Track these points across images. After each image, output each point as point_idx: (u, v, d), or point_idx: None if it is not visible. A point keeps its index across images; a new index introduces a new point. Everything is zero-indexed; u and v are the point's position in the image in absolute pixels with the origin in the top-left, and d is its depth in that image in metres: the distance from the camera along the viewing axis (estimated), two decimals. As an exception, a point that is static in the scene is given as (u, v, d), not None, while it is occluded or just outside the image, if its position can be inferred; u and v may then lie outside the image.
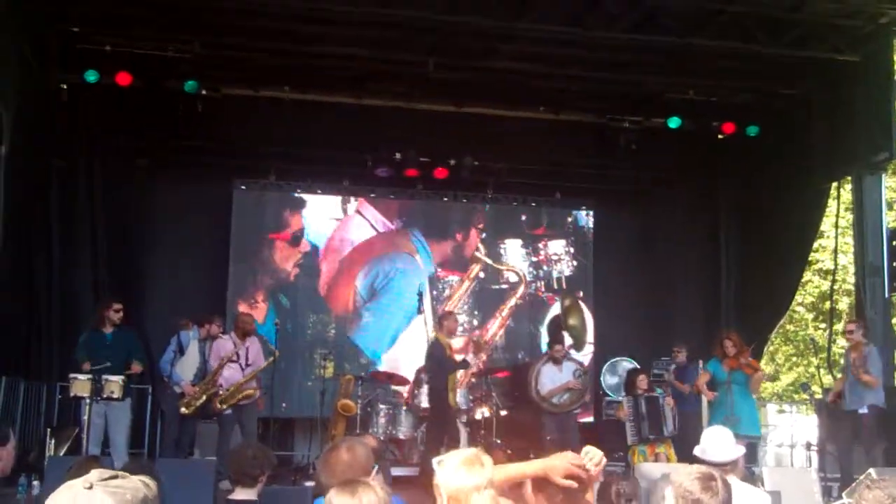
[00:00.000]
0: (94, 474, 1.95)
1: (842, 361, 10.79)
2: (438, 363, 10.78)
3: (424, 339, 12.97)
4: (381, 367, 13.23)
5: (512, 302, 14.47)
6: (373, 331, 13.87)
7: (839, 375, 10.84)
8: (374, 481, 2.77)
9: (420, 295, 12.26)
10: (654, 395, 10.84)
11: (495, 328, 14.29)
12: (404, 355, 13.53)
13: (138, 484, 1.97)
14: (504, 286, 14.55)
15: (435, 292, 14.20)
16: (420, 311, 12.17)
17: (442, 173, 13.69)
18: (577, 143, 13.68)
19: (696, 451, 5.48)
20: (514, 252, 14.71)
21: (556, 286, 14.63)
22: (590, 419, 13.68)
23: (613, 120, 13.28)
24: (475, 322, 14.38)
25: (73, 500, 1.90)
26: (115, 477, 1.96)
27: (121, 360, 9.85)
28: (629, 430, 10.44)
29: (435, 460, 3.21)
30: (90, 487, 1.90)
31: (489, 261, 14.45)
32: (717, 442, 5.40)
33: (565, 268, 14.78)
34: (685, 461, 6.94)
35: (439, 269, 14.33)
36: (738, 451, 5.46)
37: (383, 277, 14.01)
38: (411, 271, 14.11)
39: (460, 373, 11.32)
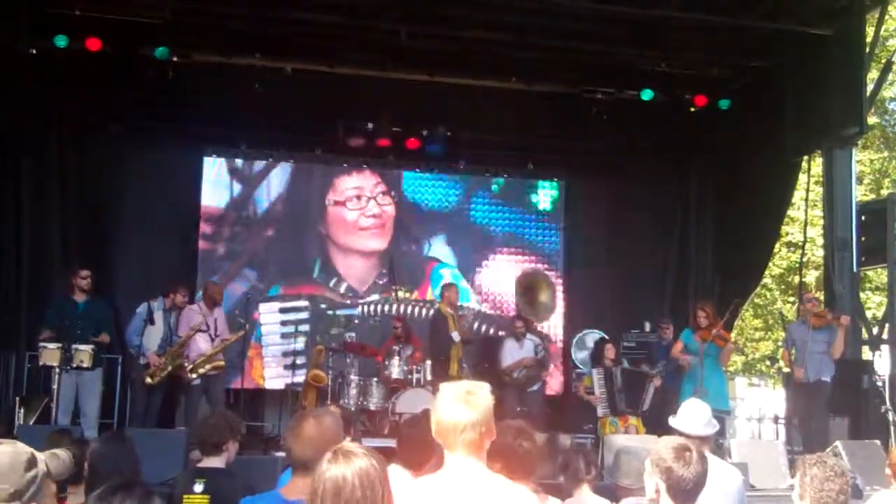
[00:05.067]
0: None
1: (794, 335, 10.66)
2: (438, 334, 11.11)
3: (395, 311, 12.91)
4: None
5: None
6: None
7: (790, 351, 10.72)
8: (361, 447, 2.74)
9: (391, 264, 12.18)
10: (640, 371, 10.87)
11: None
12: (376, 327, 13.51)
13: None
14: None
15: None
16: (393, 282, 12.06)
17: (414, 144, 13.60)
18: (550, 113, 13.61)
19: (672, 421, 5.46)
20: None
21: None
22: (559, 391, 13.78)
23: (586, 91, 13.26)
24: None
25: None
26: None
27: (91, 329, 9.79)
28: (599, 401, 10.47)
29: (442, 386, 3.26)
30: None
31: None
32: (694, 415, 5.39)
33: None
34: (657, 434, 6.96)
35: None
36: (713, 427, 5.47)
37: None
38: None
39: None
